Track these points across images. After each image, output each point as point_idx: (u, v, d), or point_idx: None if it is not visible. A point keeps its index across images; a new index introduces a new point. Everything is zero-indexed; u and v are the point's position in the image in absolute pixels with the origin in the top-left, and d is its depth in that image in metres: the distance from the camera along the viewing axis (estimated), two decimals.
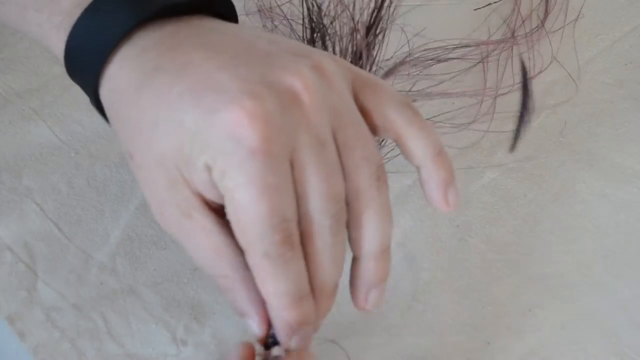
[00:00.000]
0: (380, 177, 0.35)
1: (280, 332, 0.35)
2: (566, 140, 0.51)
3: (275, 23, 0.54)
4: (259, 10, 0.56)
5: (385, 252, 0.36)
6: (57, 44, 0.38)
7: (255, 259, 0.33)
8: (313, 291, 0.35)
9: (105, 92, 0.37)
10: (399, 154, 0.37)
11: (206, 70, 0.34)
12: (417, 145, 0.37)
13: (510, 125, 0.51)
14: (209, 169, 0.33)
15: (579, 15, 0.57)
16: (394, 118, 0.37)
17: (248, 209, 0.32)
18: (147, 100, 0.35)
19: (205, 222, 0.34)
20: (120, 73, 0.36)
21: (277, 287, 0.33)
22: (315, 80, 0.34)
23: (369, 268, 0.36)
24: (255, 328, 0.35)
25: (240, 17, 0.54)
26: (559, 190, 0.48)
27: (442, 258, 0.44)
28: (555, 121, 0.52)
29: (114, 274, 0.41)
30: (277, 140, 0.33)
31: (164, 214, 0.35)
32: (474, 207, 0.47)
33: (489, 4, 0.57)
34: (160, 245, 0.42)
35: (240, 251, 0.34)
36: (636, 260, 0.45)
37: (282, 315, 0.34)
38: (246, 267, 0.34)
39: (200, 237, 0.35)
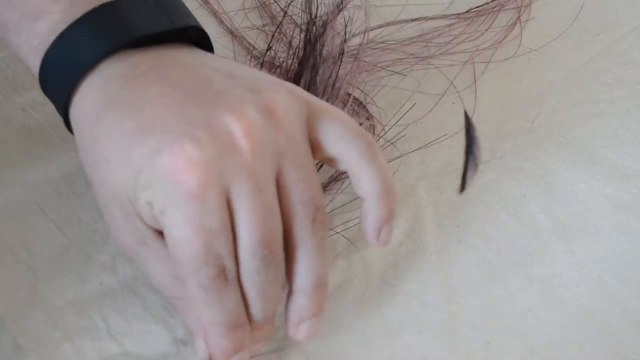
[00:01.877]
0: (316, 218, 0.36)
1: (216, 358, 0.36)
2: (566, 140, 0.51)
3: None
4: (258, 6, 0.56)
5: (317, 289, 0.37)
6: (34, 65, 0.39)
7: (190, 289, 0.35)
8: (249, 320, 0.36)
9: (73, 118, 0.38)
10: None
11: (157, 107, 0.35)
12: (365, 180, 0.38)
13: (512, 125, 0.51)
14: (150, 204, 0.34)
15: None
16: (346, 151, 0.38)
17: (184, 245, 0.34)
18: (103, 133, 0.36)
19: (161, 250, 0.36)
20: (85, 101, 0.37)
21: (211, 317, 0.35)
22: (260, 124, 0.35)
23: (300, 303, 0.37)
24: (199, 350, 0.38)
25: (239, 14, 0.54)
26: (559, 190, 0.48)
27: (442, 258, 0.44)
28: (555, 121, 0.52)
29: (114, 273, 0.41)
30: (214, 185, 0.34)
31: (123, 240, 0.37)
32: (474, 207, 0.47)
33: (471, 8, 0.57)
34: None
35: None
36: (636, 260, 0.45)
37: (217, 343, 0.36)
38: None
39: (157, 263, 0.37)
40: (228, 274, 0.35)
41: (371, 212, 0.38)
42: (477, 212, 0.47)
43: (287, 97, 0.37)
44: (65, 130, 0.42)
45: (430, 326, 0.41)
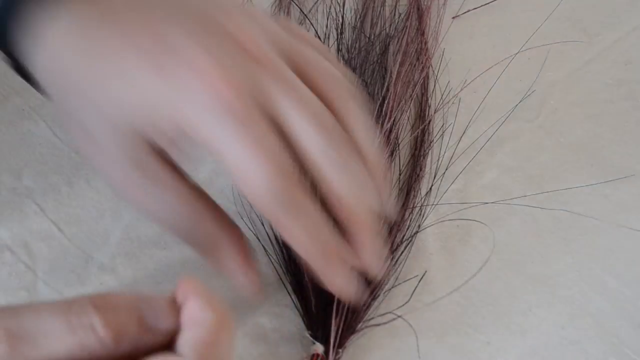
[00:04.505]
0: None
1: (328, 281, 0.35)
2: (566, 140, 0.51)
3: None
4: None
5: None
6: None
7: (279, 217, 0.33)
8: (349, 228, 0.35)
9: (44, 60, 0.36)
10: None
11: (154, 27, 0.34)
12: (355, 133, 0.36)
13: (512, 125, 0.51)
14: (181, 129, 0.33)
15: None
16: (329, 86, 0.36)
17: (250, 166, 0.32)
18: (98, 69, 0.34)
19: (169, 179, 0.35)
20: (60, 41, 0.35)
21: (303, 237, 0.33)
22: (252, 25, 0.35)
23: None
24: (245, 283, 0.36)
25: None
26: (559, 190, 0.48)
27: (442, 258, 0.44)
28: (555, 121, 0.52)
29: (114, 273, 0.41)
30: (246, 93, 0.32)
31: (122, 177, 0.35)
32: (474, 207, 0.47)
33: (469, 10, 0.57)
34: (160, 245, 0.42)
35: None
36: (636, 260, 0.45)
37: (326, 268, 0.34)
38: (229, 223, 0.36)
39: (159, 189, 0.35)
40: (303, 186, 0.33)
41: None
42: (477, 212, 0.47)
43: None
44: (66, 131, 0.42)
45: (430, 326, 0.41)
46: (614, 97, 0.53)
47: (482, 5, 0.57)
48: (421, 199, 0.47)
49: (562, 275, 0.44)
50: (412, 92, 0.51)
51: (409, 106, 0.51)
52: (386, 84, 0.49)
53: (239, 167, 0.32)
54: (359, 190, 0.35)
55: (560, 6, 0.59)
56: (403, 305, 0.42)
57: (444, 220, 0.46)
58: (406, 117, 0.50)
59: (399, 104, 0.48)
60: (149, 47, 0.33)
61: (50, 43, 0.35)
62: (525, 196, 0.48)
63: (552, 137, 0.51)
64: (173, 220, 0.36)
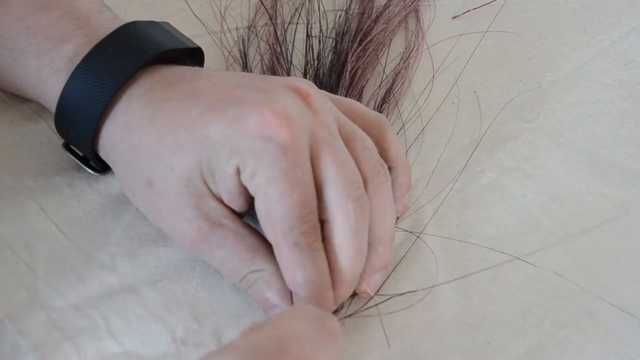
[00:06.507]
0: (383, 164, 0.40)
1: None
2: (566, 140, 0.51)
3: None
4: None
5: (392, 238, 0.40)
6: (55, 87, 0.40)
7: (285, 250, 0.36)
8: (333, 282, 0.37)
9: (112, 131, 0.39)
10: None
11: (219, 91, 0.37)
12: (391, 148, 0.42)
13: (512, 125, 0.51)
14: (238, 172, 0.36)
15: None
16: (373, 122, 0.42)
17: (279, 201, 0.35)
18: (164, 126, 0.37)
19: (237, 226, 0.38)
20: (129, 110, 0.39)
21: (305, 276, 0.36)
22: (314, 88, 0.39)
23: (377, 253, 0.39)
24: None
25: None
26: (559, 190, 0.48)
27: (442, 258, 0.44)
28: (555, 121, 0.52)
29: (114, 272, 0.41)
30: (302, 137, 0.36)
31: (192, 233, 0.37)
32: (474, 207, 0.47)
33: (469, 10, 0.57)
34: (160, 242, 0.42)
35: (269, 246, 0.37)
36: (636, 260, 0.45)
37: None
38: (275, 260, 0.37)
39: (234, 242, 0.37)
40: (318, 231, 0.36)
41: (398, 177, 0.43)
42: (477, 212, 0.47)
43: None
44: None
45: (430, 326, 0.41)
46: (614, 97, 0.53)
47: (482, 5, 0.57)
48: (421, 199, 0.47)
49: (562, 276, 0.44)
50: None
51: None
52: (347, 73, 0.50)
53: (269, 193, 0.35)
54: (356, 262, 0.38)
55: (560, 6, 0.59)
56: (403, 305, 0.42)
57: (444, 220, 0.46)
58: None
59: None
60: (216, 102, 0.37)
61: (122, 113, 0.39)
62: (525, 196, 0.48)
63: (552, 137, 0.51)
64: (232, 264, 0.38)
